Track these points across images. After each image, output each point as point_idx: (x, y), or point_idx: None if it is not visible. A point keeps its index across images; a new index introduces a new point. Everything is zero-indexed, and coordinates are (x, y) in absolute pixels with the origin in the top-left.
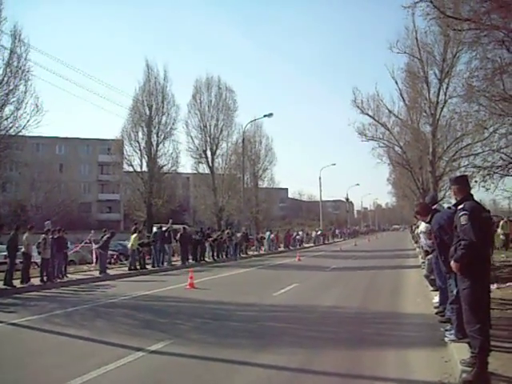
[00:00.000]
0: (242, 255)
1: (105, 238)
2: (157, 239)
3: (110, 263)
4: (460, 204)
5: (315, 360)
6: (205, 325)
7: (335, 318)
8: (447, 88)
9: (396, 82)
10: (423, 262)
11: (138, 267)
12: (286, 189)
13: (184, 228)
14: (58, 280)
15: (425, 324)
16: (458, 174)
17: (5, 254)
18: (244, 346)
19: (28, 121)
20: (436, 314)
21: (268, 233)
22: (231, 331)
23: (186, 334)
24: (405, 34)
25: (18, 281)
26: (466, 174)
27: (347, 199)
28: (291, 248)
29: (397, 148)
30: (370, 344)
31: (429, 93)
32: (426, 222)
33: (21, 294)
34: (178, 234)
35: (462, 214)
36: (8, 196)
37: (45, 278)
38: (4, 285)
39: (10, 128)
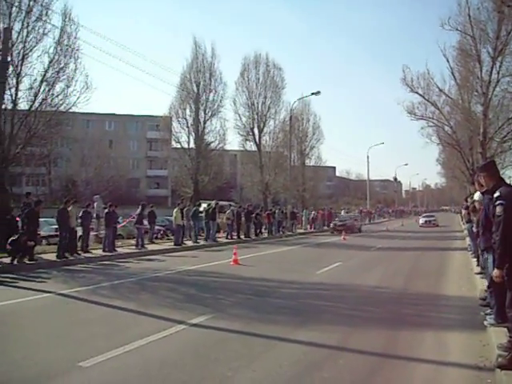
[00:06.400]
0: (288, 233)
1: (138, 211)
2: (202, 216)
3: (156, 238)
4: (495, 191)
5: (352, 338)
6: (247, 301)
7: (376, 297)
8: (500, 66)
9: (447, 60)
10: (469, 244)
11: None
12: (334, 167)
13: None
14: (108, 253)
15: (466, 307)
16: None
17: (56, 227)
18: (284, 322)
19: (78, 98)
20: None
21: (305, 211)
22: (272, 308)
23: (228, 309)
24: (457, 10)
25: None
26: (493, 158)
27: (395, 179)
28: None
29: (447, 128)
30: (408, 325)
31: (481, 71)
32: (482, 192)
33: (69, 265)
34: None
35: (498, 204)
36: (59, 171)
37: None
38: (57, 257)
39: (61, 105)
